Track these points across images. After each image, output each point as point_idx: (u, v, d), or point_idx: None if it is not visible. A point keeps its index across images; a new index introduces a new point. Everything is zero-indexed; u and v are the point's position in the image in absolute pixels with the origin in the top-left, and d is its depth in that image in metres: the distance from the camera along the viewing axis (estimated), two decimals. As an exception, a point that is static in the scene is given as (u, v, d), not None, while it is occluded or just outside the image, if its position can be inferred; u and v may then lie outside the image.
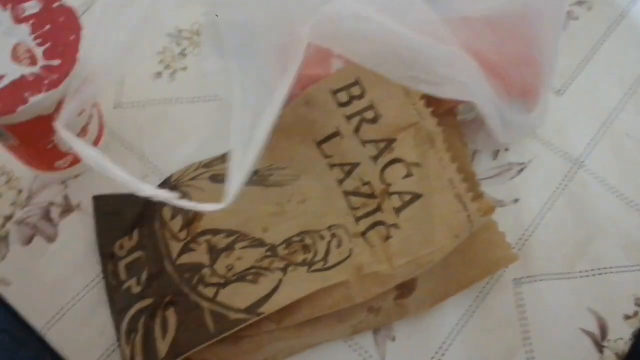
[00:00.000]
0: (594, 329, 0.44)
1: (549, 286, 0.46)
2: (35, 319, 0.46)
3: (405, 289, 0.43)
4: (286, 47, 0.40)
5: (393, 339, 0.44)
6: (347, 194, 0.45)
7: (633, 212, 0.48)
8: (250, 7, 0.43)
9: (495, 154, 0.51)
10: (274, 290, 0.41)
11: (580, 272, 0.46)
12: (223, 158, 0.48)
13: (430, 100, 0.44)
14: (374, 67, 0.41)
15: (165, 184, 0.48)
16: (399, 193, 0.43)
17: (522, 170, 0.50)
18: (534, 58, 0.44)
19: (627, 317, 0.45)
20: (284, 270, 0.42)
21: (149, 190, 0.38)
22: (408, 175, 0.43)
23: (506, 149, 0.51)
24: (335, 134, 0.46)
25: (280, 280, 0.41)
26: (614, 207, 0.49)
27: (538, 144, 0.51)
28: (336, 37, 0.40)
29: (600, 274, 0.46)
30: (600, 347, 0.44)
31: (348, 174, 0.45)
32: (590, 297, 0.45)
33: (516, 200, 0.49)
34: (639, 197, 0.49)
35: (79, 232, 0.48)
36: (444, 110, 0.46)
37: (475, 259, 0.44)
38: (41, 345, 0.45)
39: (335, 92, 0.46)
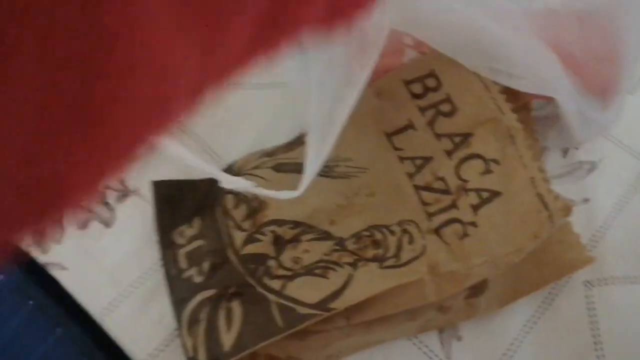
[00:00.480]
0: (668, 338, 0.43)
1: (621, 290, 0.44)
2: (92, 306, 0.45)
3: (476, 288, 0.42)
4: (366, 31, 0.39)
5: (459, 339, 0.43)
6: (418, 188, 0.43)
7: None
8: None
9: (565, 152, 0.49)
10: (345, 285, 0.40)
11: (654, 276, 0.45)
12: (287, 147, 0.47)
13: (510, 95, 0.43)
14: (454, 56, 0.40)
15: (228, 171, 0.47)
16: (477, 190, 0.41)
17: (592, 169, 0.49)
18: (617, 56, 0.43)
19: (703, 327, 0.43)
20: (354, 265, 0.41)
21: (227, 179, 0.36)
22: (487, 172, 0.42)
23: (576, 148, 0.49)
24: (408, 127, 0.44)
25: (351, 276, 0.40)
26: (688, 208, 0.47)
27: (608, 143, 0.50)
28: (419, 25, 0.39)
29: (675, 280, 0.45)
30: (675, 356, 0.42)
31: (420, 168, 0.44)
32: (666, 304, 0.44)
33: (586, 200, 0.47)
34: None
35: (136, 218, 0.47)
36: (519, 105, 0.45)
37: (548, 260, 0.43)
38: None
39: (408, 82, 0.44)
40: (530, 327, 0.43)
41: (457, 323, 0.43)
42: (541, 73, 0.40)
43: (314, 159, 0.36)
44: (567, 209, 0.41)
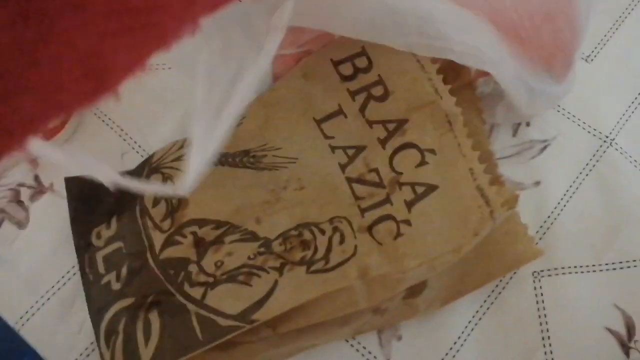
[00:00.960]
0: (620, 328, 0.40)
1: (571, 280, 0.42)
2: (8, 314, 0.41)
3: (414, 288, 0.39)
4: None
5: (399, 338, 0.41)
6: (350, 181, 0.39)
7: (668, 195, 0.44)
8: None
9: (515, 129, 0.46)
10: (269, 293, 0.36)
11: (607, 264, 0.42)
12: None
13: (448, 75, 0.39)
14: (374, 39, 0.36)
15: (146, 164, 0.43)
16: (412, 184, 0.38)
17: (544, 148, 0.45)
18: (561, 15, 0.38)
19: (658, 315, 0.41)
20: (280, 270, 0.37)
21: (104, 173, 0.32)
22: (422, 163, 0.38)
23: (527, 124, 0.46)
24: (338, 112, 0.40)
25: (276, 282, 0.37)
26: (646, 190, 0.44)
27: (563, 119, 0.46)
28: (320, 13, 0.34)
29: (629, 266, 0.42)
30: (626, 349, 0.40)
31: (352, 158, 0.40)
32: (617, 293, 0.41)
33: (537, 183, 0.44)
34: (674, 178, 0.44)
35: (52, 217, 0.44)
36: (462, 84, 0.41)
37: (493, 254, 0.39)
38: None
39: (337, 63, 0.40)
40: (475, 323, 0.41)
41: (397, 323, 0.40)
42: (474, 44, 0.36)
43: (198, 155, 0.32)
44: (510, 202, 0.37)
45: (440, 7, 0.35)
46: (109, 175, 0.32)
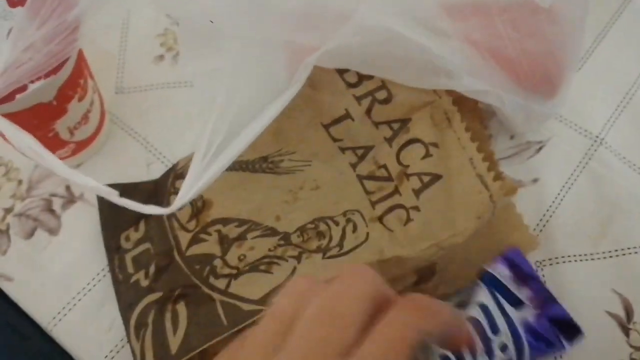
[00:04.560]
0: (619, 310, 0.43)
1: (571, 268, 0.44)
2: (40, 316, 0.44)
3: (424, 274, 0.41)
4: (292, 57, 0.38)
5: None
6: (361, 178, 0.43)
7: (656, 189, 0.47)
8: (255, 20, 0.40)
9: (512, 134, 0.49)
10: (288, 279, 0.39)
11: (603, 252, 0.45)
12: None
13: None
14: (394, 78, 0.40)
15: (171, 172, 0.46)
16: (418, 174, 0.41)
17: (540, 149, 0.48)
18: (556, 52, 0.42)
19: (654, 298, 0.43)
20: (299, 258, 0.40)
21: (85, 182, 0.36)
22: (427, 155, 0.41)
23: (511, 137, 0.49)
24: (345, 117, 0.44)
25: (294, 269, 0.40)
26: (636, 184, 0.47)
27: (556, 122, 0.49)
28: (348, 58, 0.38)
29: (624, 254, 0.44)
30: (626, 330, 0.42)
31: (362, 157, 0.43)
32: (615, 278, 0.44)
33: (535, 180, 0.47)
34: (661, 173, 0.47)
35: (83, 224, 0.47)
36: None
37: (494, 242, 0.42)
38: (47, 340, 0.44)
39: (342, 72, 0.44)
40: (482, 312, 0.43)
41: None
42: (482, 82, 0.40)
43: (190, 183, 0.36)
44: (509, 188, 0.40)
45: (449, 47, 0.38)
46: (109, 194, 0.36)
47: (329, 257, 0.40)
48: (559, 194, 0.47)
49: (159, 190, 0.46)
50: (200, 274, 0.41)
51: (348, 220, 0.41)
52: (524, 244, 0.43)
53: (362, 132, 0.43)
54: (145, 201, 0.45)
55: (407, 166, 0.41)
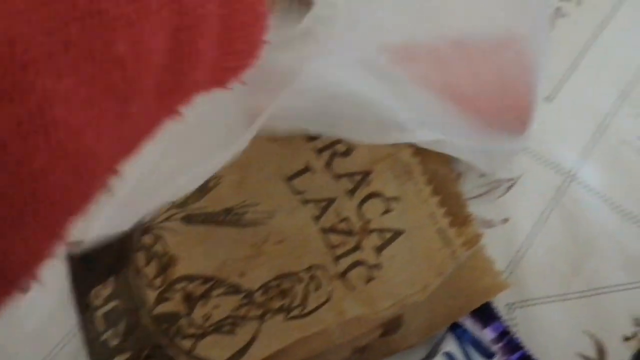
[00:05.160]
0: (592, 353, 0.42)
1: (543, 310, 0.44)
2: (15, 374, 0.44)
3: (391, 326, 0.41)
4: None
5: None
6: (324, 231, 0.43)
7: (630, 225, 0.46)
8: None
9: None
10: (251, 341, 0.39)
11: (576, 292, 0.44)
12: (197, 195, 0.46)
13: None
14: (347, 137, 0.40)
15: (138, 224, 0.46)
16: (379, 230, 0.41)
17: (511, 186, 0.48)
18: (517, 85, 0.41)
19: (626, 339, 0.43)
20: (261, 318, 0.40)
21: None
22: (387, 210, 0.41)
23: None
24: (305, 170, 0.43)
25: (257, 330, 0.40)
26: (610, 220, 0.46)
27: (527, 158, 0.48)
28: (297, 120, 0.38)
29: (597, 294, 0.44)
30: (599, 373, 0.42)
31: (324, 210, 0.43)
32: (587, 319, 0.43)
33: (506, 220, 0.47)
34: (636, 208, 0.46)
35: (54, 279, 0.47)
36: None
37: (462, 289, 0.42)
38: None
39: None
40: (454, 357, 0.43)
41: (380, 360, 0.43)
42: (437, 134, 0.39)
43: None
44: (473, 240, 0.40)
45: (403, 95, 0.38)
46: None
47: (292, 318, 0.40)
48: (529, 233, 0.46)
49: (126, 243, 0.46)
50: (167, 334, 0.41)
51: (311, 277, 0.41)
52: (493, 287, 0.43)
53: (323, 185, 0.43)
54: (115, 255, 0.46)
55: (369, 221, 0.41)
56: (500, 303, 0.44)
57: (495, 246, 0.44)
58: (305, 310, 0.40)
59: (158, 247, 0.44)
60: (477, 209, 0.46)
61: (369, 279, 0.40)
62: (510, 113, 0.42)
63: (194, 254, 0.43)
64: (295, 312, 0.40)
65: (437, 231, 0.40)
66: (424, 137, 0.39)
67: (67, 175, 0.20)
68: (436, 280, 0.39)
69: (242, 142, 0.34)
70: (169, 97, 0.24)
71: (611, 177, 0.47)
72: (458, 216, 0.42)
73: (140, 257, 0.44)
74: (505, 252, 0.45)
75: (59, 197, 0.20)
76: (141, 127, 0.24)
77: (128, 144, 0.23)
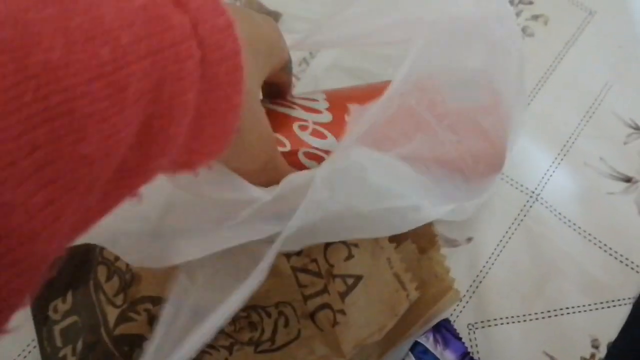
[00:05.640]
0: (550, 374, 0.43)
1: (504, 330, 0.44)
2: (-31, 389, 0.43)
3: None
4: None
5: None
6: (295, 270, 0.42)
7: (591, 246, 0.47)
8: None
9: (449, 188, 0.49)
10: (219, 369, 0.39)
11: (536, 313, 0.45)
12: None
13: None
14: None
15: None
16: (342, 276, 0.41)
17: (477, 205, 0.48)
18: (496, 138, 0.41)
19: (584, 360, 0.44)
20: (230, 349, 0.40)
21: None
22: (349, 257, 0.41)
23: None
24: None
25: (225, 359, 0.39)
26: (571, 242, 0.47)
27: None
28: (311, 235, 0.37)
29: (556, 315, 0.45)
30: (556, 394, 0.43)
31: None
32: (547, 340, 0.44)
33: (470, 239, 0.47)
34: (597, 230, 0.47)
35: (11, 292, 0.45)
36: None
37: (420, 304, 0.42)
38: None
39: None
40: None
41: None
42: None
43: None
44: (423, 285, 0.41)
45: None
46: None
47: (261, 352, 0.40)
48: (493, 252, 0.47)
49: (87, 256, 0.45)
50: (129, 357, 0.40)
51: (280, 313, 0.41)
52: (447, 299, 0.43)
53: None
54: (74, 268, 0.45)
55: (333, 266, 0.41)
56: (461, 324, 0.45)
57: (459, 266, 0.45)
58: (275, 346, 0.40)
59: (120, 264, 0.43)
60: (442, 227, 0.47)
61: (335, 324, 0.40)
62: (490, 165, 0.42)
63: (158, 274, 0.42)
64: (264, 346, 0.40)
65: (394, 275, 0.40)
66: (435, 214, 0.39)
67: (13, 279, 0.19)
68: (392, 321, 0.40)
69: (259, 274, 0.32)
70: (130, 177, 0.23)
71: (573, 198, 0.48)
72: (413, 261, 0.42)
73: (101, 271, 0.43)
74: (469, 272, 0.46)
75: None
76: (97, 211, 0.23)
77: (80, 228, 0.22)
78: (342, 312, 0.40)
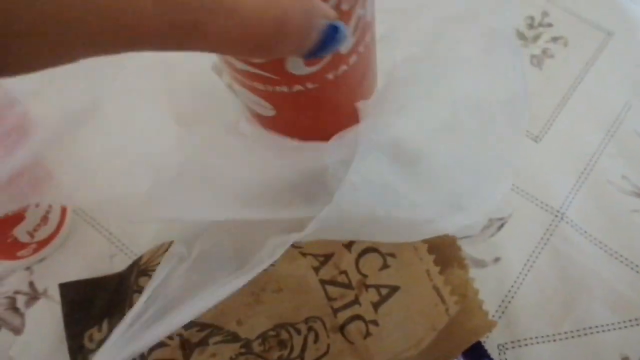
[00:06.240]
0: (582, 392, 0.44)
1: (534, 350, 0.45)
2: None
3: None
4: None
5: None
6: (324, 282, 0.43)
7: (618, 264, 0.47)
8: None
9: (474, 210, 0.49)
10: (251, 392, 0.40)
11: (566, 332, 0.45)
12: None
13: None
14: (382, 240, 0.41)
15: (134, 266, 0.46)
16: (377, 286, 0.41)
17: (502, 225, 0.48)
18: None
19: (615, 378, 0.44)
20: None
21: None
22: (384, 266, 0.42)
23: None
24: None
25: (257, 381, 0.40)
26: (597, 259, 0.47)
27: (517, 197, 0.49)
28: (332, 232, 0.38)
29: (586, 334, 0.45)
30: (588, 413, 0.43)
31: (323, 262, 0.43)
32: (577, 359, 0.44)
33: (497, 259, 0.47)
34: (623, 247, 0.47)
35: (47, 321, 0.46)
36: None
37: (452, 332, 0.42)
38: None
39: None
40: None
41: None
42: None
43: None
44: (462, 298, 0.41)
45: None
46: None
47: None
48: (520, 272, 0.47)
49: (123, 285, 0.46)
50: (163, 382, 0.41)
51: (310, 329, 0.41)
52: (482, 328, 0.43)
53: (320, 241, 0.43)
54: (110, 298, 0.45)
55: (366, 276, 0.42)
56: (491, 344, 0.45)
57: (487, 286, 0.45)
58: None
59: (154, 292, 0.44)
60: (469, 248, 0.47)
61: (367, 335, 0.40)
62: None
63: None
64: None
65: (433, 288, 0.40)
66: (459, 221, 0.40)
67: None
68: (430, 336, 0.40)
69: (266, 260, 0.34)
70: None
71: (597, 216, 0.49)
72: (452, 274, 0.42)
73: (136, 300, 0.44)
74: (497, 292, 0.46)
75: None
76: None
77: None
78: (375, 322, 0.40)
